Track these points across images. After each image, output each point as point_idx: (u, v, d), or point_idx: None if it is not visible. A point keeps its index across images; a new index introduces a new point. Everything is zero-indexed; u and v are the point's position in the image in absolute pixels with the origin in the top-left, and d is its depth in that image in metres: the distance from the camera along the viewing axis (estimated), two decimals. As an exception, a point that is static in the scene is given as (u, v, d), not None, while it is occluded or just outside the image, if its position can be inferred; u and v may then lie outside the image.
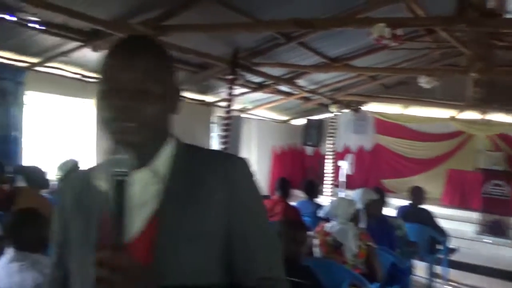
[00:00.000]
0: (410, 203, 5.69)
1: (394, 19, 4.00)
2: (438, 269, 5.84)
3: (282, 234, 2.55)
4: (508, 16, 6.44)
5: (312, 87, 7.94)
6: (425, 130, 10.37)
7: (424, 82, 5.52)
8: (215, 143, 8.10)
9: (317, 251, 3.26)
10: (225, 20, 4.67)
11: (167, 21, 4.38)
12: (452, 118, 10.03)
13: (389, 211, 5.17)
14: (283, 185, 4.74)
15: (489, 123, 9.55)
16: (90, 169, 1.08)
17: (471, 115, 9.71)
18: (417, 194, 5.73)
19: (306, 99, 8.57)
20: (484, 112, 8.72)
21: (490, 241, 7.35)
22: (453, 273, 6.00)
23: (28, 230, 2.26)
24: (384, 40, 3.81)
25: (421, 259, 5.78)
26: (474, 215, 7.72)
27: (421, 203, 5.66)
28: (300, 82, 7.40)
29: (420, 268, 5.94)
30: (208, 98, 7.97)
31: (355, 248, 3.10)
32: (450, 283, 5.78)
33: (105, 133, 0.98)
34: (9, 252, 2.26)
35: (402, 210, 5.83)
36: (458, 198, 8.80)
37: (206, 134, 8.22)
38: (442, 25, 4.57)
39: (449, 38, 5.51)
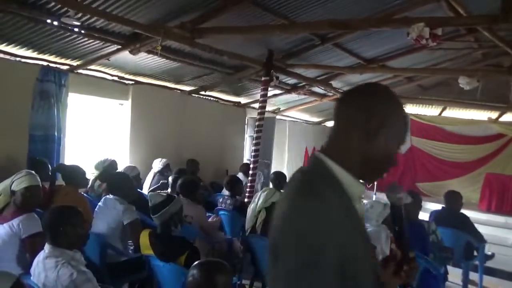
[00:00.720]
0: (444, 207, 5.56)
1: (434, 18, 3.94)
2: (474, 275, 5.68)
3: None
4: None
5: (347, 88, 7.88)
6: (463, 132, 10.11)
7: (464, 83, 5.37)
8: (248, 144, 8.18)
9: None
10: (260, 22, 4.71)
11: (204, 24, 4.47)
12: (493, 120, 9.72)
13: (423, 215, 5.08)
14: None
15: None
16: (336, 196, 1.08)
17: (513, 117, 9.41)
18: (453, 199, 5.57)
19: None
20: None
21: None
22: (489, 280, 5.82)
23: (65, 227, 2.32)
24: (423, 40, 3.73)
25: (456, 265, 5.65)
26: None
27: (457, 208, 5.51)
28: (335, 83, 7.36)
29: (455, 275, 5.81)
30: (242, 100, 8.06)
31: (387, 250, 3.08)
32: (486, 290, 5.61)
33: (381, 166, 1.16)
34: (47, 248, 2.34)
35: (436, 214, 5.71)
36: (496, 203, 8.50)
37: (240, 135, 8.31)
38: (485, 24, 4.41)
39: (492, 38, 5.34)
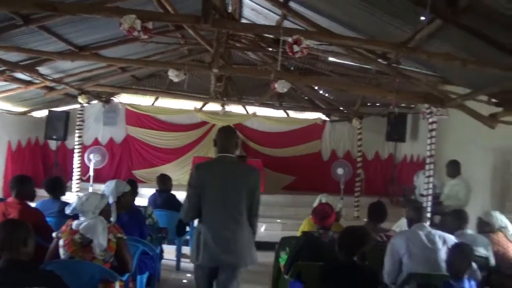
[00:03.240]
0: (157, 190, 6.00)
1: (145, 12, 4.09)
2: (186, 249, 6.35)
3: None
4: (244, 20, 7.46)
5: (57, 75, 7.31)
6: (174, 121, 11.02)
7: (173, 75, 5.82)
8: None
9: (63, 252, 3.07)
10: None
11: None
12: (198, 110, 10.98)
13: (140, 201, 5.31)
14: (24, 185, 4.24)
15: (228, 114, 10.85)
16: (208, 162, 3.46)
17: (214, 107, 10.85)
18: (163, 182, 6.11)
19: (50, 88, 7.82)
20: (224, 104, 9.84)
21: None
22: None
23: None
24: (135, 32, 3.85)
25: (171, 243, 6.18)
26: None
27: (167, 189, 6.05)
28: (43, 69, 6.70)
29: (169, 252, 6.34)
30: None
31: (104, 243, 3.07)
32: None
33: None
34: None
35: (152, 198, 6.09)
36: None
37: None
38: (189, 23, 4.90)
39: (195, 36, 5.97)
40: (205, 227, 3.15)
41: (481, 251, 3.88)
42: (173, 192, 6.11)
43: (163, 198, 5.93)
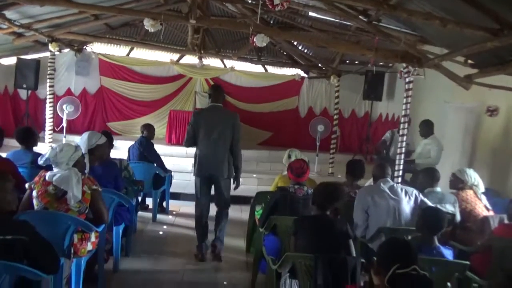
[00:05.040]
0: (140, 140, 6.03)
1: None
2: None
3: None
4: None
5: (25, 21, 6.94)
6: (149, 73, 10.74)
7: (149, 25, 5.61)
8: None
9: (37, 203, 3.04)
10: None
11: None
12: (174, 62, 10.73)
13: (116, 153, 5.26)
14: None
15: (205, 67, 10.66)
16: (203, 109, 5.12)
17: (191, 59, 10.62)
18: (149, 130, 6.19)
19: (18, 34, 7.44)
20: (201, 57, 9.63)
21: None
22: (174, 203, 6.69)
23: None
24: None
25: (147, 195, 6.22)
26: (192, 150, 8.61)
27: (151, 138, 6.23)
28: (9, 14, 6.35)
29: (146, 203, 6.39)
30: None
31: (78, 194, 3.04)
32: (173, 212, 6.44)
33: None
34: None
35: (131, 151, 6.08)
36: (179, 136, 9.65)
37: None
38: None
39: (170, -16, 5.73)
40: (199, 151, 4.57)
41: (448, 207, 4.07)
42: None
43: (145, 147, 5.99)
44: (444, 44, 5.59)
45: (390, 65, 9.45)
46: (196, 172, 4.60)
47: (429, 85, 7.01)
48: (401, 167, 5.62)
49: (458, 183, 4.41)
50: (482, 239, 3.66)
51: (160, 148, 6.76)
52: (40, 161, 3.18)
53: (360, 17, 5.62)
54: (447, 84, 5.67)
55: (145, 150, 5.98)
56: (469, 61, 5.05)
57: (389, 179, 3.97)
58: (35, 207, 3.06)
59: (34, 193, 3.06)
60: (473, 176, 4.39)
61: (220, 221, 4.66)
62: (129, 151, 6.13)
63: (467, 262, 2.91)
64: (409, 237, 3.36)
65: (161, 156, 6.18)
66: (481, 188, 4.40)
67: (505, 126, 5.97)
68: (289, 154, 5.08)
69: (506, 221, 3.61)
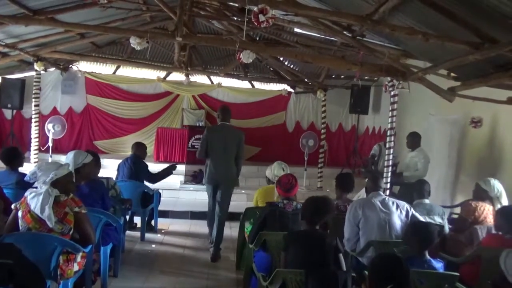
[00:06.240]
0: (134, 160, 6.05)
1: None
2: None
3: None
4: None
5: (10, 41, 6.91)
6: (136, 90, 10.71)
7: (135, 43, 5.60)
8: None
9: (21, 224, 2.98)
10: None
11: None
12: (161, 79, 10.73)
13: (103, 172, 5.20)
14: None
15: (192, 84, 10.68)
16: (215, 126, 5.89)
17: (177, 76, 10.64)
18: (141, 149, 6.21)
19: (3, 54, 7.40)
20: (188, 74, 9.65)
21: (191, 188, 8.40)
22: (163, 221, 6.62)
23: None
24: (92, -5, 3.67)
25: (135, 214, 6.15)
26: (181, 168, 8.58)
27: (143, 157, 6.30)
28: (-5, 34, 6.33)
29: (135, 222, 6.31)
30: None
31: (52, 216, 2.88)
32: (162, 230, 6.36)
33: None
34: None
35: (121, 169, 6.03)
36: (167, 153, 9.61)
37: None
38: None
39: (158, 2, 5.78)
40: (210, 162, 5.30)
41: (436, 219, 4.09)
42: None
43: (138, 166, 6.04)
44: (427, 58, 5.69)
45: (376, 79, 9.59)
46: (207, 180, 5.40)
47: (414, 98, 7.10)
48: (389, 179, 5.66)
49: (481, 193, 4.37)
50: (471, 250, 3.68)
51: (150, 166, 6.72)
52: (27, 177, 3.13)
53: (345, 32, 5.70)
54: (431, 97, 5.75)
55: (138, 169, 5.95)
56: (452, 74, 5.14)
57: (381, 192, 3.98)
58: (20, 228, 2.99)
59: (20, 214, 3.00)
60: (497, 187, 4.34)
61: (218, 225, 5.24)
62: (118, 169, 6.07)
63: (457, 274, 2.92)
64: (400, 249, 3.37)
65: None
66: (504, 199, 4.33)
67: (489, 137, 6.06)
68: (275, 167, 5.13)
69: (493, 231, 3.64)
